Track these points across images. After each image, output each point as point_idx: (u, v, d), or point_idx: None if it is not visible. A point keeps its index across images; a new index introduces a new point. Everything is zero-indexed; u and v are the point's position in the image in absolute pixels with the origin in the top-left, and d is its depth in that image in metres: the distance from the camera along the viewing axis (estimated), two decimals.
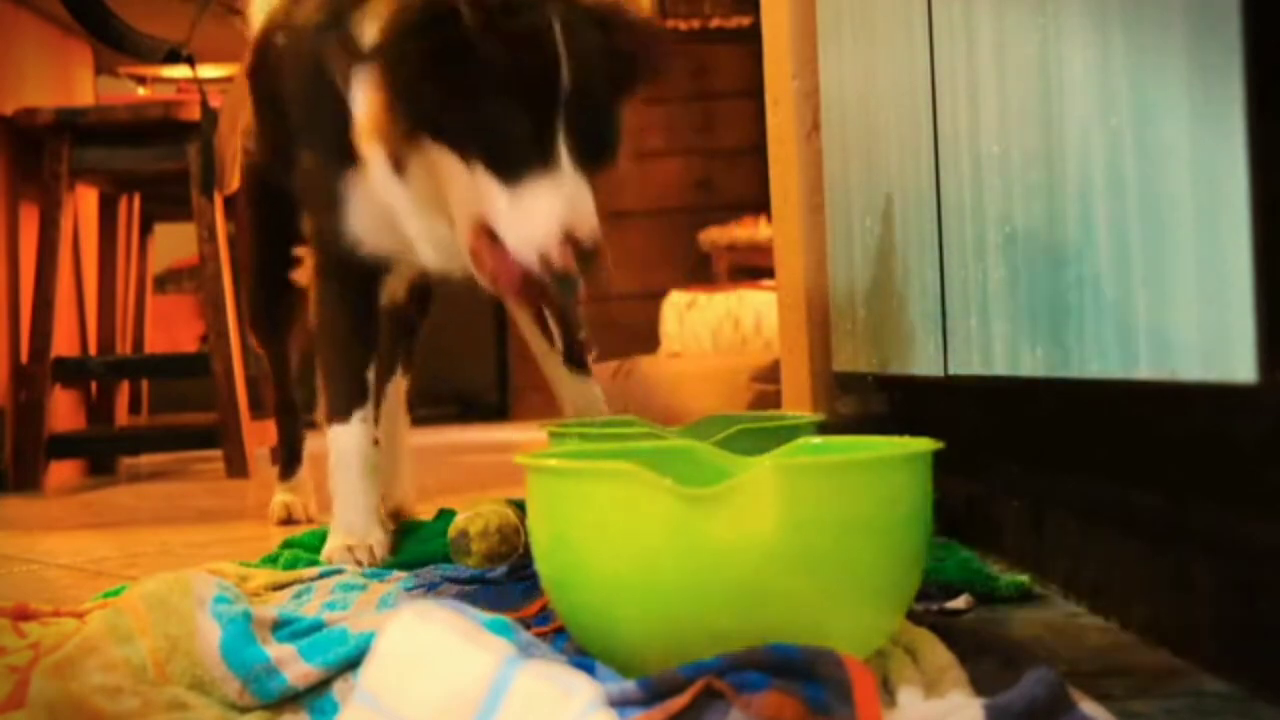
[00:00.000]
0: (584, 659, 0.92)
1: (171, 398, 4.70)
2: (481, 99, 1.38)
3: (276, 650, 0.98)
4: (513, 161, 1.38)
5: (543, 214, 1.36)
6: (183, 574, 1.09)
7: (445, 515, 1.70)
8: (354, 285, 1.70)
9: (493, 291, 1.47)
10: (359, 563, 1.58)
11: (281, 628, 1.03)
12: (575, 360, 1.89)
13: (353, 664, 0.95)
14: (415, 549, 1.63)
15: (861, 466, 0.97)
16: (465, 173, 1.41)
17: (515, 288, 1.42)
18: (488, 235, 1.42)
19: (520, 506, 1.57)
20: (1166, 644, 1.10)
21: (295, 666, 0.96)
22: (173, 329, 5.36)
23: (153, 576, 1.08)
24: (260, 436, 3.74)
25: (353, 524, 1.64)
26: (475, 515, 1.50)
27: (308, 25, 1.57)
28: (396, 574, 1.51)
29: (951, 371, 1.42)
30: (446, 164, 1.43)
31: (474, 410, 6.11)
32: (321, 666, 0.96)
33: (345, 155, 1.55)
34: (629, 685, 0.82)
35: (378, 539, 1.64)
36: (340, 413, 1.68)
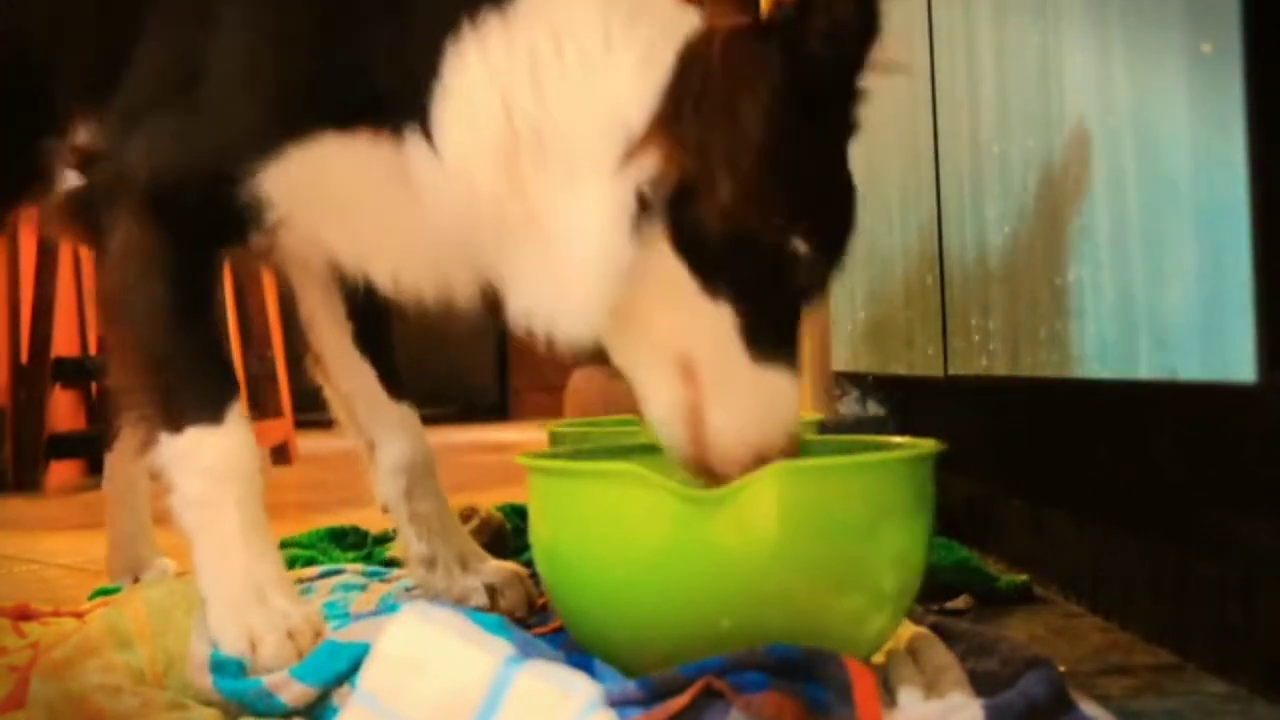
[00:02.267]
0: (584, 659, 0.92)
1: None
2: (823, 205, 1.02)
3: (269, 676, 0.98)
4: (772, 324, 1.00)
5: (779, 414, 1.01)
6: (187, 585, 1.08)
7: None
8: (203, 246, 1.13)
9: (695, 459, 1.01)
10: (265, 670, 1.00)
11: None
12: (397, 382, 1.36)
13: (347, 676, 0.95)
14: None
15: (863, 468, 0.97)
16: (697, 308, 0.98)
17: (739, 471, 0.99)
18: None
19: (511, 512, 1.58)
20: (1166, 644, 1.10)
21: (290, 689, 0.96)
22: None
23: (158, 580, 1.08)
24: (260, 436, 3.74)
25: (250, 596, 1.06)
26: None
27: None
28: (397, 572, 1.51)
29: (951, 371, 1.42)
30: (669, 277, 0.98)
31: (474, 410, 6.12)
32: (317, 685, 0.96)
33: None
34: (629, 685, 0.82)
35: (300, 614, 1.05)
36: (202, 410, 1.08)
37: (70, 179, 1.28)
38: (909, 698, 0.88)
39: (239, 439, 1.08)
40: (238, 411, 1.09)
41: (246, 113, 1.07)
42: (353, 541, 1.70)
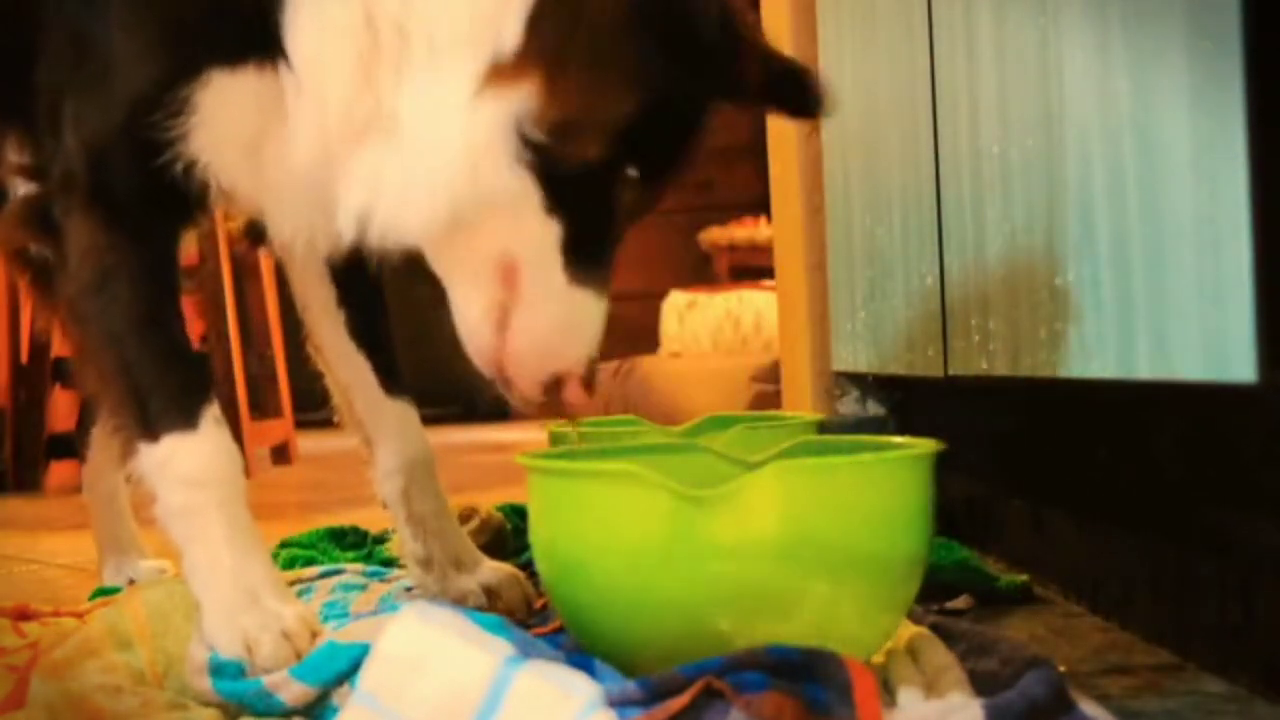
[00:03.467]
0: (584, 659, 0.92)
1: None
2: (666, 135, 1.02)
3: (269, 676, 0.98)
4: (593, 244, 1.02)
5: (585, 334, 1.03)
6: (186, 587, 1.08)
7: None
8: (159, 230, 1.09)
9: (493, 377, 1.07)
10: (264, 670, 1.00)
11: None
12: (396, 379, 1.33)
13: (347, 676, 0.95)
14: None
15: (863, 468, 0.97)
16: (531, 218, 0.99)
17: (536, 393, 1.06)
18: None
19: (510, 512, 1.57)
20: (1166, 644, 1.10)
21: (290, 689, 0.96)
22: None
23: (158, 581, 1.08)
24: (260, 436, 3.75)
25: (244, 600, 1.04)
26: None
27: None
28: (397, 572, 1.51)
29: (951, 371, 1.42)
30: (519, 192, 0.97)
31: (474, 410, 6.11)
32: (316, 685, 0.96)
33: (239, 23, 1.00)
34: (629, 685, 0.82)
35: (294, 614, 1.04)
36: (176, 416, 1.05)
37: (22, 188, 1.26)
38: (909, 698, 0.88)
39: (215, 443, 1.06)
40: (211, 414, 1.06)
41: (140, 68, 1.03)
42: (353, 541, 1.70)
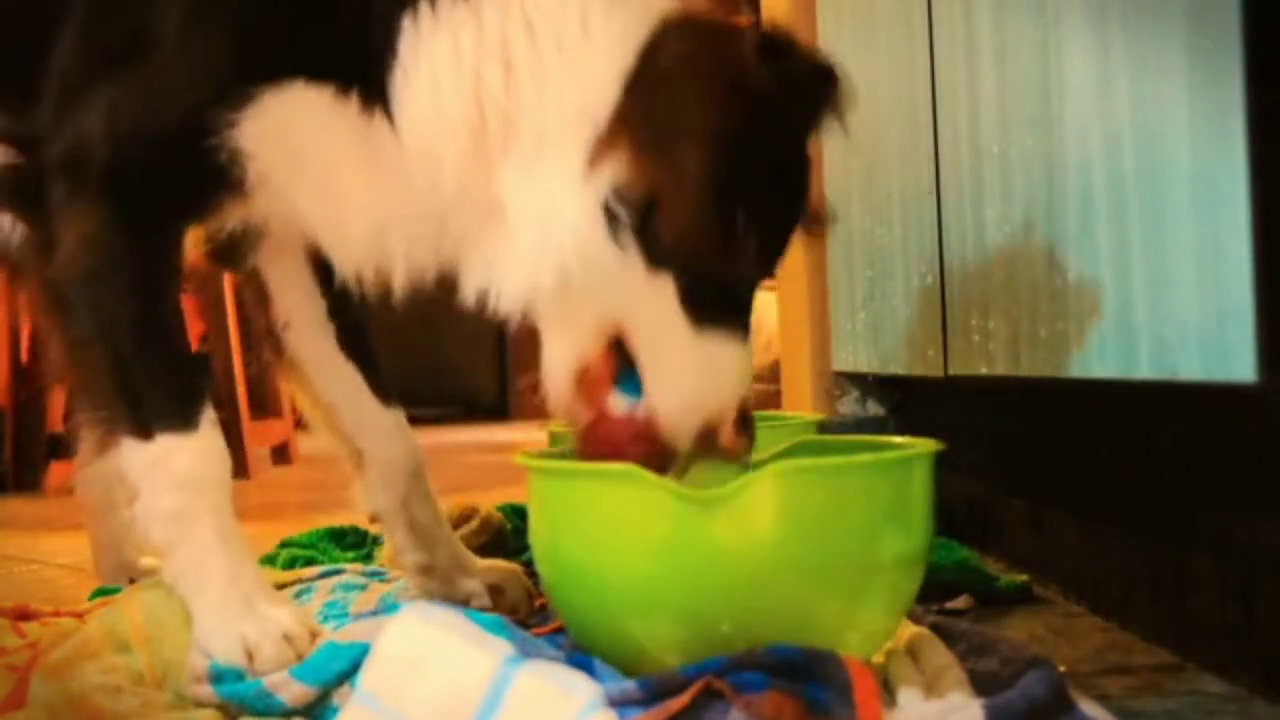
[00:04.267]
0: (584, 659, 0.92)
1: None
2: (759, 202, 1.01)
3: (269, 677, 0.98)
4: (717, 298, 1.01)
5: (726, 381, 1.02)
6: None
7: None
8: (168, 225, 1.07)
9: (577, 437, 1.05)
10: (261, 674, 0.98)
11: None
12: (386, 389, 1.30)
13: (347, 676, 0.95)
14: None
15: (863, 468, 0.97)
16: (639, 280, 0.99)
17: (616, 447, 1.01)
18: (599, 366, 1.02)
19: (511, 512, 1.57)
20: (1166, 644, 1.10)
21: (290, 689, 0.96)
22: None
23: (152, 582, 1.08)
24: (260, 436, 3.74)
25: (238, 606, 1.02)
26: (454, 517, 1.46)
27: None
28: (397, 572, 1.51)
29: (951, 371, 1.42)
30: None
31: (474, 410, 6.12)
32: (316, 685, 0.96)
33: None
34: (629, 685, 0.82)
35: (291, 616, 1.02)
36: (174, 416, 1.02)
37: None
38: (909, 698, 0.88)
39: (211, 446, 1.03)
40: (209, 416, 1.04)
41: (211, 63, 1.02)
42: (353, 541, 1.70)
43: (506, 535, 1.54)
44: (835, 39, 2.03)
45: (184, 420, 1.02)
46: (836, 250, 2.04)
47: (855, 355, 1.93)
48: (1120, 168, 0.96)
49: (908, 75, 1.56)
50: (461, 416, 5.94)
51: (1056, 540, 1.36)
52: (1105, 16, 0.98)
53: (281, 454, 3.93)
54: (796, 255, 2.20)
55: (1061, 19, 1.07)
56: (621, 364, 1.03)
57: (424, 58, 0.99)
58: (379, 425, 1.28)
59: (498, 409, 6.23)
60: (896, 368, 1.68)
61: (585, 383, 1.02)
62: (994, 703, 0.81)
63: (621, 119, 0.97)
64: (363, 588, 1.38)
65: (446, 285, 1.08)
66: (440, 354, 5.73)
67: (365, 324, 1.30)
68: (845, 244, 1.97)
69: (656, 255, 0.98)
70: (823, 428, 1.42)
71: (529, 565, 1.31)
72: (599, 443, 1.02)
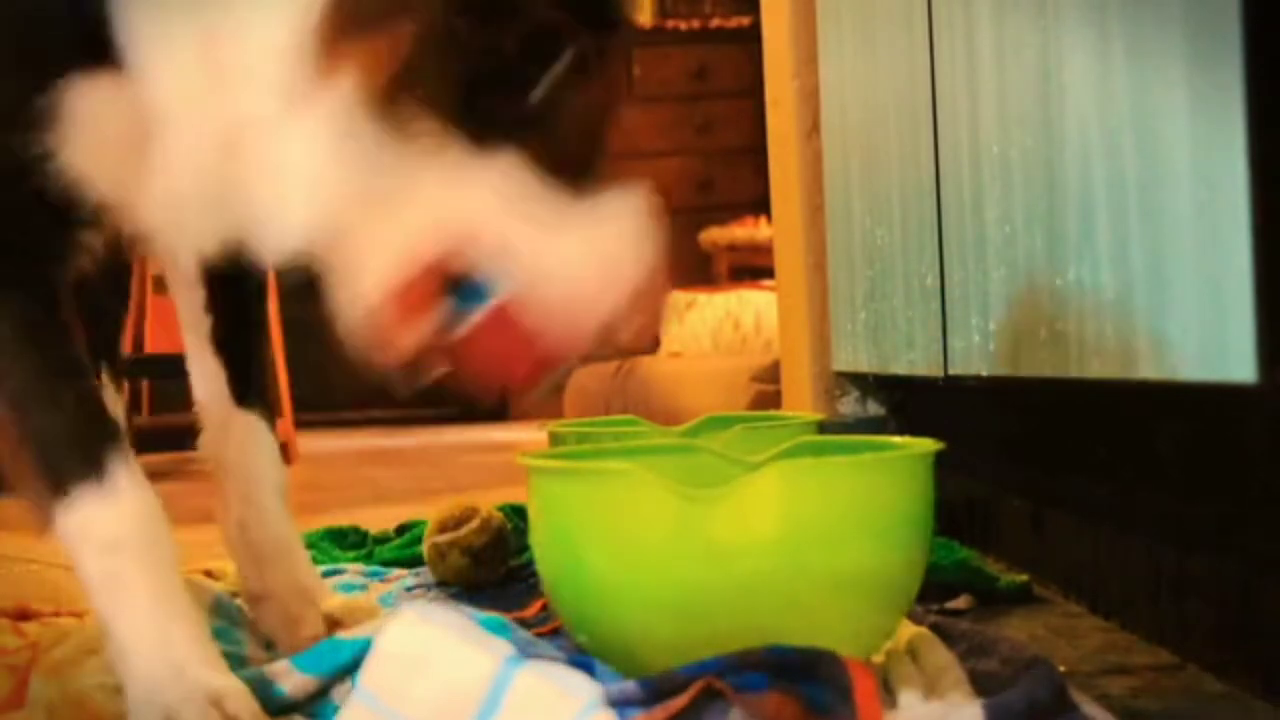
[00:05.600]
0: (584, 659, 0.92)
1: (171, 398, 4.71)
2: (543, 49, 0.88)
3: (270, 665, 0.98)
4: (576, 158, 0.89)
5: (622, 253, 0.90)
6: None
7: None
8: (42, 255, 0.98)
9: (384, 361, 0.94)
10: None
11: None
12: (250, 389, 1.19)
13: (349, 670, 0.95)
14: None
15: (862, 467, 0.97)
16: (462, 164, 0.88)
17: (528, 372, 0.90)
18: (435, 274, 0.90)
19: (510, 512, 1.57)
20: (1166, 644, 1.10)
21: (291, 678, 0.96)
22: (173, 329, 5.36)
23: None
24: None
25: (165, 674, 0.91)
26: (454, 517, 1.45)
27: None
28: (397, 572, 1.52)
29: (951, 371, 1.42)
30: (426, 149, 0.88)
31: (474, 410, 6.11)
32: (317, 676, 0.96)
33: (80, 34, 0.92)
34: (629, 685, 0.82)
35: (219, 683, 0.91)
36: (86, 472, 0.94)
37: None
38: (909, 698, 0.88)
39: (134, 500, 0.94)
40: (126, 467, 0.94)
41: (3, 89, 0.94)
42: (353, 541, 1.71)
43: (506, 535, 1.54)
44: (835, 39, 2.03)
45: (96, 476, 0.93)
46: (836, 250, 2.04)
47: (855, 355, 1.93)
48: (1120, 168, 0.96)
49: (908, 75, 1.56)
50: (461, 416, 5.94)
51: (1056, 540, 1.36)
52: (1105, 16, 0.97)
53: (282, 454, 3.93)
54: (796, 255, 2.20)
55: (1061, 19, 1.07)
56: (447, 277, 0.89)
57: (140, 17, 0.92)
58: (232, 426, 1.17)
59: (498, 409, 6.23)
60: (896, 368, 1.68)
61: (406, 302, 0.88)
62: (994, 703, 0.81)
63: (332, 31, 0.86)
64: (363, 588, 1.38)
65: None
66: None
67: (247, 321, 1.20)
68: (845, 244, 1.97)
69: (477, 131, 0.87)
70: (823, 428, 1.42)
71: (529, 566, 1.31)
72: (474, 360, 0.89)
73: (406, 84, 0.86)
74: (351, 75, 0.86)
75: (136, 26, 0.92)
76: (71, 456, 0.94)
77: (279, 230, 0.91)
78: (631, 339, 0.91)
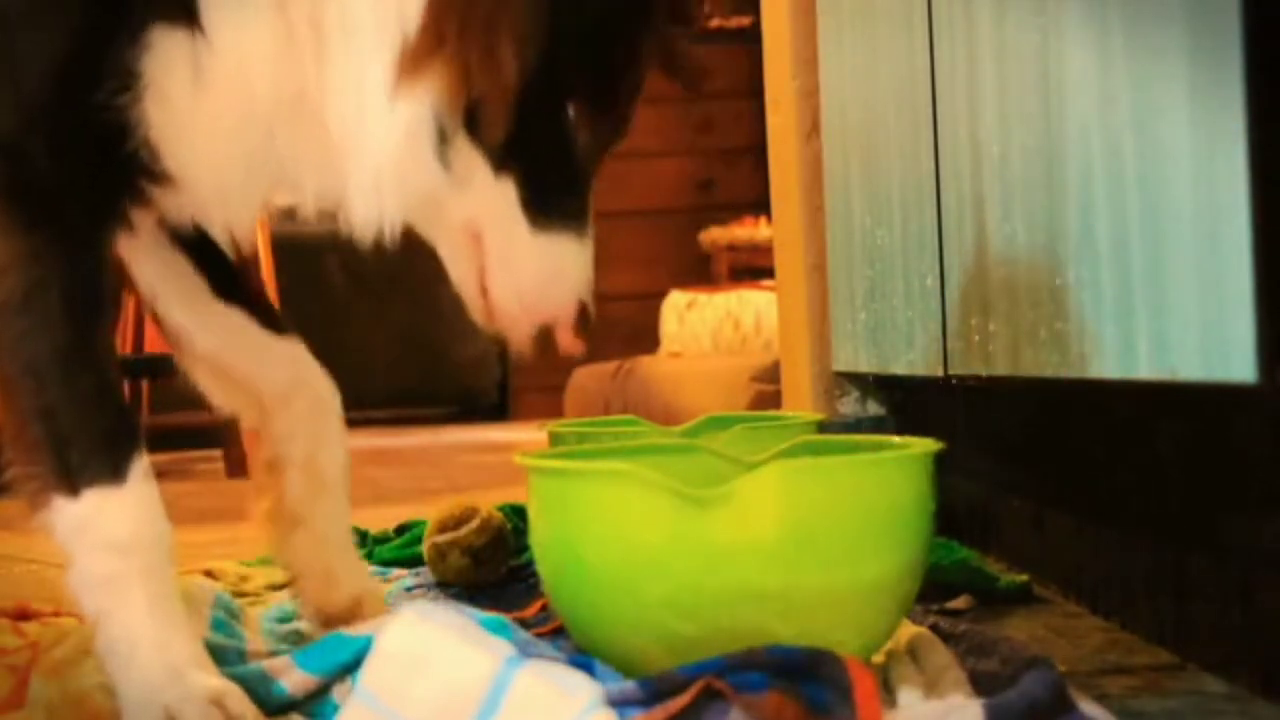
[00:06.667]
0: (584, 659, 0.92)
1: (171, 398, 4.70)
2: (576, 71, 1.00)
3: (271, 661, 0.98)
4: (560, 188, 1.03)
5: (563, 279, 1.03)
6: (182, 585, 1.08)
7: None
8: (96, 220, 0.96)
9: (491, 328, 1.08)
10: None
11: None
12: (277, 323, 1.18)
13: (350, 668, 0.95)
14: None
15: (862, 467, 0.97)
16: (481, 185, 1.00)
17: (527, 345, 1.07)
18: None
19: (511, 512, 1.57)
20: (1166, 644, 1.10)
21: (292, 675, 0.96)
22: None
23: None
24: None
25: (163, 677, 0.91)
26: (454, 517, 1.45)
27: None
28: (397, 572, 1.52)
29: (951, 371, 1.42)
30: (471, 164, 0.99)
31: (474, 410, 6.11)
32: (318, 674, 0.96)
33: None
34: (629, 685, 0.82)
35: (217, 685, 0.91)
36: (101, 467, 0.92)
37: None
38: (909, 698, 0.88)
39: (144, 499, 0.93)
40: (141, 465, 0.93)
41: (57, 34, 0.92)
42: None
43: (506, 535, 1.54)
44: (835, 39, 2.03)
45: (112, 470, 0.92)
46: (836, 250, 2.04)
47: (855, 355, 1.93)
48: (1120, 168, 0.96)
49: (908, 75, 1.56)
50: (461, 416, 5.94)
51: (1056, 540, 1.36)
52: (1105, 16, 0.97)
53: None
54: (796, 255, 2.20)
55: (1061, 19, 1.07)
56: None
57: None
58: (275, 353, 1.16)
59: (498, 409, 6.23)
60: (896, 368, 1.68)
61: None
62: (994, 703, 0.81)
63: (432, 21, 0.93)
64: None
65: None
66: (440, 354, 5.73)
67: (236, 270, 1.17)
68: (845, 244, 1.97)
69: (494, 161, 0.99)
70: (823, 428, 1.42)
71: (529, 565, 1.31)
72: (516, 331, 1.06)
73: (485, 105, 0.96)
74: (443, 83, 0.94)
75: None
76: (88, 447, 0.92)
77: (368, 204, 0.97)
78: (562, 347, 1.06)
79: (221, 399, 1.17)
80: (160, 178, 0.96)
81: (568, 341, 1.05)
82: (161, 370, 4.16)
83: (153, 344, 4.26)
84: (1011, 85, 1.21)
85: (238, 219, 1.06)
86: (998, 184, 1.25)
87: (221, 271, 1.15)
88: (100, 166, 0.94)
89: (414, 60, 0.93)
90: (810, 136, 2.18)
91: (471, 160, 0.98)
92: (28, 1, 0.92)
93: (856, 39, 1.89)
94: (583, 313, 1.04)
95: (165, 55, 0.93)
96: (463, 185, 0.99)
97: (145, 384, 4.36)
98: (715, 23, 5.96)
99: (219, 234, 1.08)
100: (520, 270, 1.02)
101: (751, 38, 3.25)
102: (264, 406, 1.15)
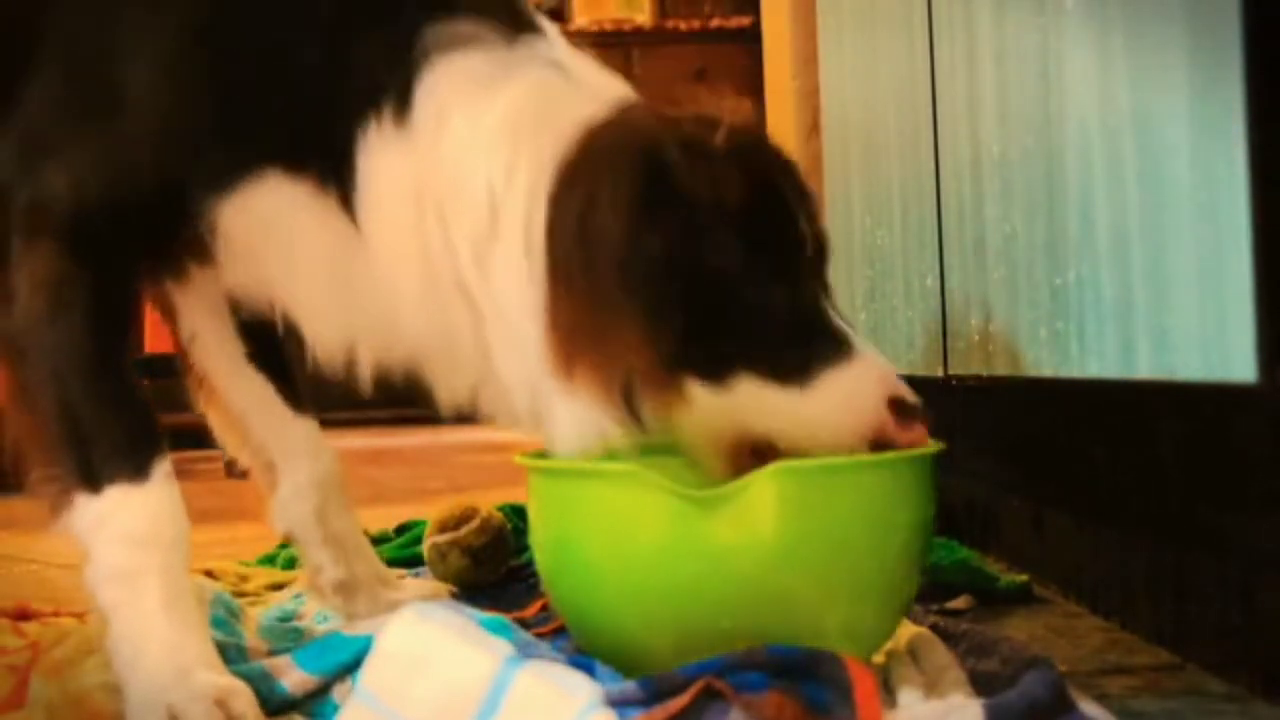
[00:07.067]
0: (584, 659, 0.92)
1: (171, 398, 4.71)
2: (730, 288, 0.95)
3: (271, 660, 0.98)
4: (789, 356, 0.96)
5: (860, 396, 0.96)
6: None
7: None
8: (128, 269, 1.02)
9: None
10: None
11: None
12: (300, 399, 1.25)
13: (350, 668, 0.95)
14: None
15: (862, 468, 0.97)
16: (708, 395, 0.95)
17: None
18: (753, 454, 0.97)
19: (511, 512, 1.57)
20: (1166, 644, 1.10)
21: (292, 675, 0.96)
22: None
23: None
24: None
25: (171, 677, 0.91)
26: (454, 517, 1.45)
27: None
28: (397, 572, 1.51)
29: (951, 371, 1.42)
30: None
31: (474, 410, 6.10)
32: (318, 674, 0.96)
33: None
34: (629, 685, 0.82)
35: (225, 685, 0.92)
36: (124, 464, 0.95)
37: None
38: (909, 698, 0.88)
39: (166, 498, 0.95)
40: (164, 465, 0.96)
41: (183, 135, 0.99)
42: None
43: (506, 535, 1.54)
44: (835, 39, 2.03)
45: (134, 469, 0.95)
46: (836, 250, 2.04)
47: None
48: (1120, 168, 0.96)
49: (908, 75, 1.56)
50: (461, 416, 5.93)
51: (1056, 540, 1.36)
52: (1105, 16, 0.98)
53: None
54: None
55: (1061, 19, 1.07)
56: None
57: (377, 176, 0.97)
58: (290, 435, 1.22)
59: None
60: (897, 368, 1.68)
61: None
62: (994, 703, 0.81)
63: (555, 320, 0.94)
64: None
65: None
66: None
67: (275, 338, 1.21)
68: (845, 244, 1.97)
69: (707, 381, 0.95)
70: None
71: (529, 566, 1.31)
72: None
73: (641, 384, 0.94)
74: (593, 391, 0.94)
75: (368, 145, 0.97)
76: (112, 447, 0.95)
77: (567, 435, 0.96)
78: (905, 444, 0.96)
79: (229, 446, 1.25)
80: (211, 266, 1.02)
81: (906, 438, 0.96)
82: (162, 370, 4.15)
83: (154, 344, 4.26)
84: (1011, 85, 1.21)
85: (358, 347, 1.06)
86: (998, 184, 1.25)
87: (262, 341, 1.21)
88: (155, 242, 1.01)
89: (559, 362, 0.94)
90: (810, 136, 2.19)
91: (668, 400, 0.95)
92: (166, 120, 0.99)
93: (856, 39, 1.89)
94: (900, 406, 0.96)
95: (275, 191, 0.99)
96: (678, 418, 0.96)
97: (146, 384, 4.36)
98: (715, 23, 5.96)
99: (317, 354, 1.09)
100: (818, 422, 0.95)
101: (751, 38, 3.25)
102: (273, 471, 1.22)
